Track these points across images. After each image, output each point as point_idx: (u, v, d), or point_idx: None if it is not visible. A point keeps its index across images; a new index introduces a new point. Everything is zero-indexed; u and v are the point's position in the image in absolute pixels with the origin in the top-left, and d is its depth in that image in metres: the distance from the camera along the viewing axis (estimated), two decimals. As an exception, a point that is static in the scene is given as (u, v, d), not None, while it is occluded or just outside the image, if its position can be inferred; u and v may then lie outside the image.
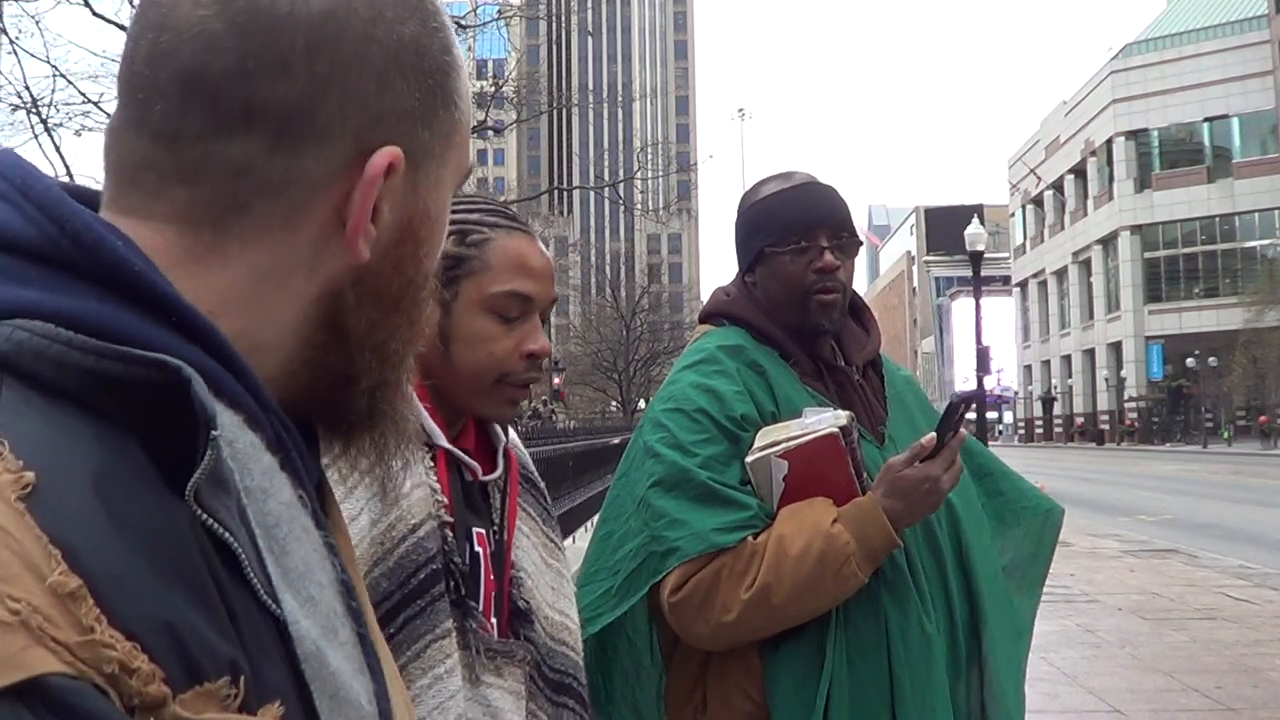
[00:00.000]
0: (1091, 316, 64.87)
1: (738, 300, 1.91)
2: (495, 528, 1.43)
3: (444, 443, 1.37)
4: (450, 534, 1.33)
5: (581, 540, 8.57)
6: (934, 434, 1.68)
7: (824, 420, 1.69)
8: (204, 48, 0.57)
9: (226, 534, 0.51)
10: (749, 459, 1.70)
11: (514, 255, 1.39)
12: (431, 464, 1.35)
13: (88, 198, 0.60)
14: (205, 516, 0.51)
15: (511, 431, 1.54)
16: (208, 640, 0.48)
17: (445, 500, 1.34)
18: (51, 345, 0.50)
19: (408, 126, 0.62)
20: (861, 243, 1.90)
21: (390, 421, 0.67)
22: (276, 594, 0.53)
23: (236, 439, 0.54)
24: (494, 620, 1.38)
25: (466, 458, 1.40)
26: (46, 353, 0.50)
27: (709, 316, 1.96)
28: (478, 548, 1.38)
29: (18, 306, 0.51)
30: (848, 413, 1.73)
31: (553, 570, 1.51)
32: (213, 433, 0.51)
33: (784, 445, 1.68)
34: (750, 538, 1.66)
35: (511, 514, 1.45)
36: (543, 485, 1.59)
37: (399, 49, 0.61)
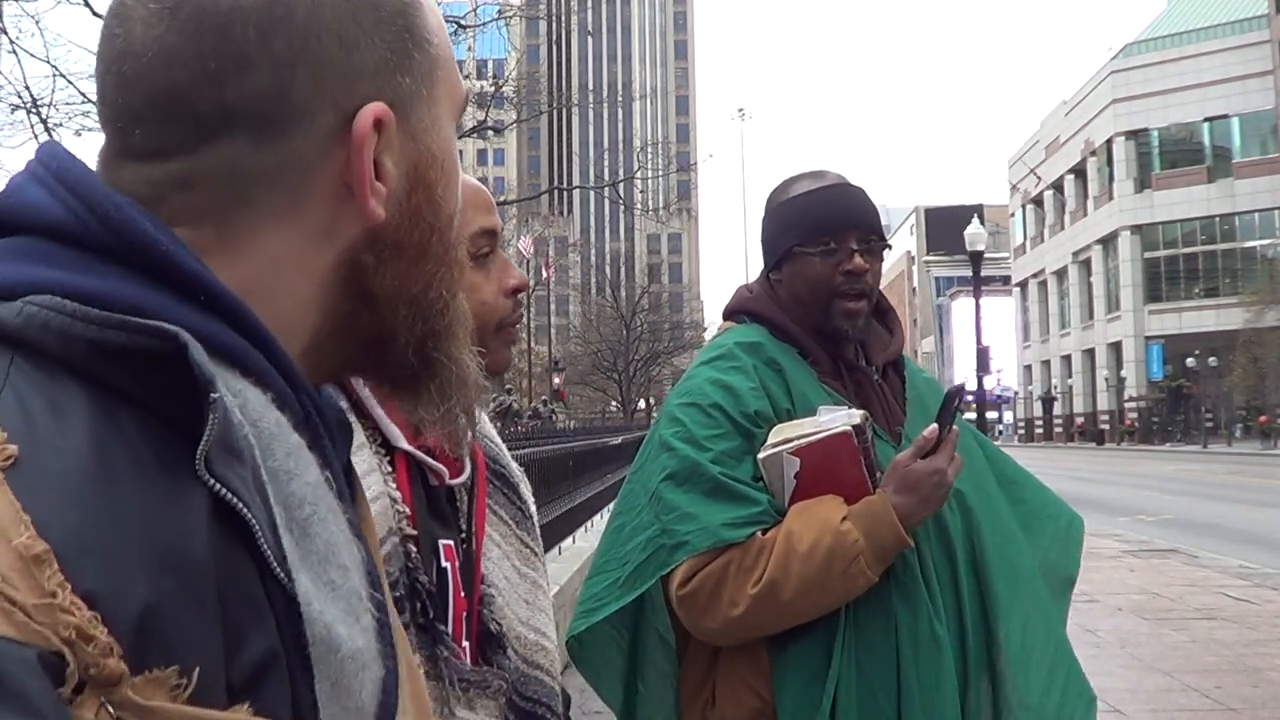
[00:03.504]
0: (1091, 316, 64.83)
1: (759, 298, 1.92)
2: (463, 536, 1.30)
3: (404, 444, 1.24)
4: (414, 549, 1.20)
5: (581, 540, 8.55)
6: (935, 426, 1.69)
7: (837, 418, 1.70)
8: (165, 64, 0.57)
9: (239, 503, 0.51)
10: (761, 455, 1.71)
11: (468, 191, 1.32)
12: (390, 470, 1.22)
13: None
14: (217, 485, 0.50)
15: (484, 418, 1.41)
16: (177, 625, 0.47)
17: (407, 511, 1.21)
18: (56, 317, 0.50)
19: (386, 78, 0.61)
20: (890, 246, 1.91)
21: (448, 369, 0.67)
22: (291, 571, 0.52)
23: (261, 417, 0.54)
24: (465, 644, 1.25)
25: (431, 460, 1.26)
26: (51, 324, 0.50)
27: (731, 314, 1.97)
28: (445, 562, 1.25)
29: (39, 285, 0.51)
30: (861, 411, 1.73)
31: (527, 581, 1.38)
32: (213, 396, 0.50)
33: (796, 442, 1.69)
34: (759, 533, 1.67)
35: (479, 520, 1.32)
36: (517, 479, 1.44)
37: (353, 6, 0.60)
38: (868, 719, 1.66)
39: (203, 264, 0.56)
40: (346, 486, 0.64)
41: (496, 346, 1.32)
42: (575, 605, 1.86)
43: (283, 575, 0.52)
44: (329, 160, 0.60)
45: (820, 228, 1.82)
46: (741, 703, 1.70)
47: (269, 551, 0.52)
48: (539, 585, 1.41)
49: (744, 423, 1.74)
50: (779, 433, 1.73)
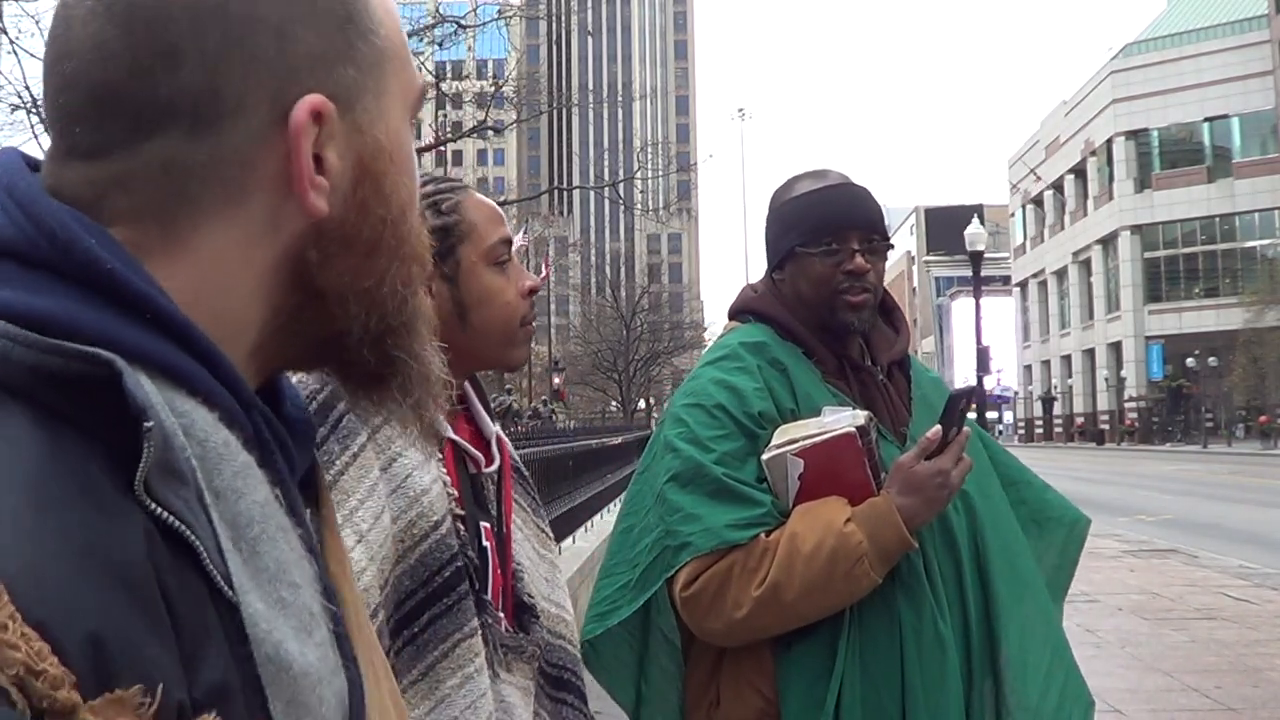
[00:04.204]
0: (1091, 316, 64.83)
1: (764, 297, 1.92)
2: (494, 520, 1.44)
3: (451, 434, 1.38)
4: (463, 528, 1.34)
5: (582, 540, 8.54)
6: (939, 427, 1.69)
7: (842, 419, 1.69)
8: (100, 61, 0.57)
9: (181, 525, 0.51)
10: (765, 456, 1.71)
11: (484, 207, 1.47)
12: (440, 457, 1.36)
13: None
14: (157, 508, 0.50)
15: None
16: (133, 645, 0.47)
17: (456, 494, 1.35)
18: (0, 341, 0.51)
19: (325, 70, 0.61)
20: (892, 245, 1.91)
21: (409, 366, 0.66)
22: (237, 590, 0.53)
23: (209, 437, 0.54)
24: (501, 615, 1.39)
25: (471, 448, 1.41)
26: None
27: (737, 313, 1.97)
28: (485, 542, 1.39)
29: None
30: (866, 412, 1.73)
31: (546, 562, 1.53)
32: (146, 425, 0.50)
33: (800, 443, 1.69)
34: (763, 535, 1.67)
35: (508, 506, 1.46)
36: (527, 474, 1.60)
37: None
38: (872, 719, 1.66)
39: (150, 282, 0.56)
40: (311, 499, 0.66)
41: (520, 341, 1.47)
42: (587, 608, 1.85)
43: (231, 594, 0.52)
44: (268, 154, 0.59)
45: (821, 228, 1.81)
46: (747, 703, 1.70)
47: (215, 572, 0.52)
48: (555, 565, 1.55)
49: (748, 423, 1.74)
50: (783, 433, 1.73)
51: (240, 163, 0.59)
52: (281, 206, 0.60)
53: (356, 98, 0.62)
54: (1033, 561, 1.89)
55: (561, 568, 1.57)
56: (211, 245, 0.59)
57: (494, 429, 1.48)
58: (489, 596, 1.35)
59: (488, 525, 1.41)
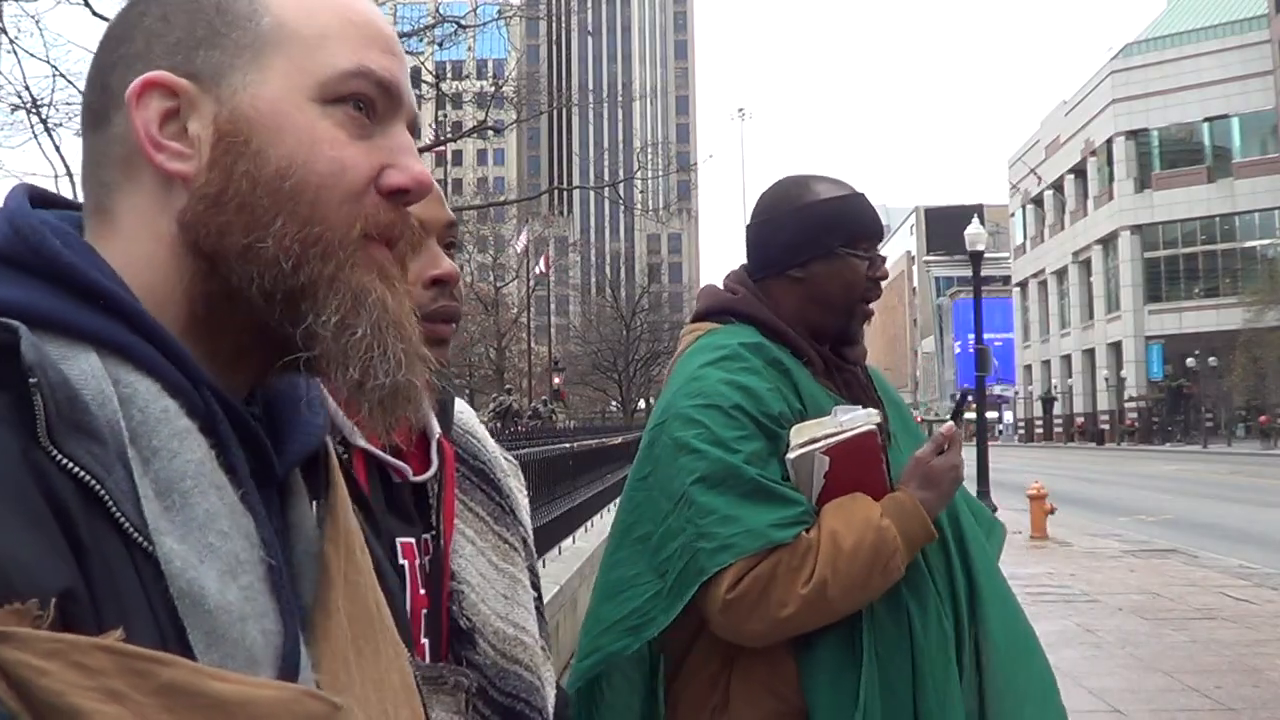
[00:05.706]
0: (1091, 316, 64.86)
1: (746, 298, 1.90)
2: (435, 533, 1.27)
3: (360, 441, 1.20)
4: None
5: (582, 540, 8.54)
6: (952, 424, 1.76)
7: (857, 418, 1.72)
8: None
9: (86, 475, 0.57)
10: (791, 456, 1.72)
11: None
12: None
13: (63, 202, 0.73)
14: (62, 459, 0.57)
15: (467, 412, 1.39)
16: (26, 563, 0.52)
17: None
18: None
19: (184, 55, 0.69)
20: (884, 258, 2.00)
21: (341, 336, 0.68)
22: (151, 535, 0.59)
23: (149, 405, 0.62)
24: (425, 641, 1.22)
25: (388, 458, 1.23)
26: None
27: (715, 314, 1.92)
28: (403, 560, 1.21)
29: None
30: (876, 410, 1.77)
31: (505, 576, 1.34)
32: (31, 380, 0.57)
33: (826, 442, 1.71)
34: (804, 532, 1.67)
35: (448, 516, 1.29)
36: (500, 475, 1.41)
37: (170, 8, 0.70)
38: (890, 712, 1.67)
39: (105, 273, 0.64)
40: (309, 483, 0.74)
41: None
42: (611, 624, 1.75)
43: (142, 539, 0.59)
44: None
45: (863, 233, 1.86)
46: (760, 705, 1.69)
47: (122, 517, 0.58)
48: (518, 580, 1.37)
49: (768, 423, 1.73)
50: (800, 433, 1.73)
51: (123, 142, 0.68)
52: (166, 180, 0.68)
53: (223, 75, 0.68)
54: (991, 553, 1.93)
55: (528, 581, 1.39)
56: (127, 219, 0.68)
57: (436, 430, 1.30)
58: (409, 619, 1.17)
59: (409, 540, 1.23)
